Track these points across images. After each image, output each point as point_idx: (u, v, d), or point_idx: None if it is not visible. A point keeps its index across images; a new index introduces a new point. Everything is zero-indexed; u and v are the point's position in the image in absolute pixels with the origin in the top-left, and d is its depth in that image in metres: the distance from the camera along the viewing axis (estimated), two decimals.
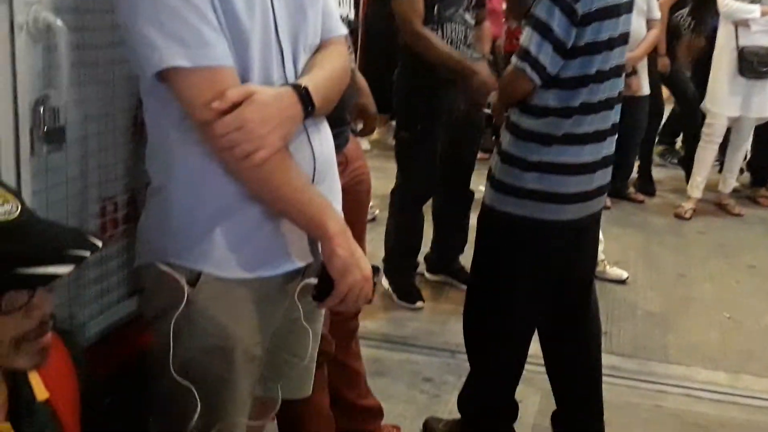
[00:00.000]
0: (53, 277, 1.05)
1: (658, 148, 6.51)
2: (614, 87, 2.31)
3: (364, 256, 1.46)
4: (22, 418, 1.15)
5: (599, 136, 2.31)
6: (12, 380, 1.15)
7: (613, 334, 3.46)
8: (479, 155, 4.02)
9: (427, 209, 3.90)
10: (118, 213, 1.62)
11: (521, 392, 2.64)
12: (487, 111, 2.60)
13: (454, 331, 3.12)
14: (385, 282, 3.85)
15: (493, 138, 2.57)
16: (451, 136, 3.61)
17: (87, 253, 1.08)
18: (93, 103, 1.51)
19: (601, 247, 3.69)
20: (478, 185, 3.48)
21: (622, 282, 4.19)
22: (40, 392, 1.18)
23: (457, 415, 2.67)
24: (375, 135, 6.20)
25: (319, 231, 1.41)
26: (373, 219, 4.47)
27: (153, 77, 1.34)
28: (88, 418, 1.29)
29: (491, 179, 2.42)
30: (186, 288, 1.39)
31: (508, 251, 2.41)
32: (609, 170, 2.41)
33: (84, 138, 1.50)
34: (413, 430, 2.72)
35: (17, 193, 1.12)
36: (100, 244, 1.11)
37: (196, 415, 1.41)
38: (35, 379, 1.18)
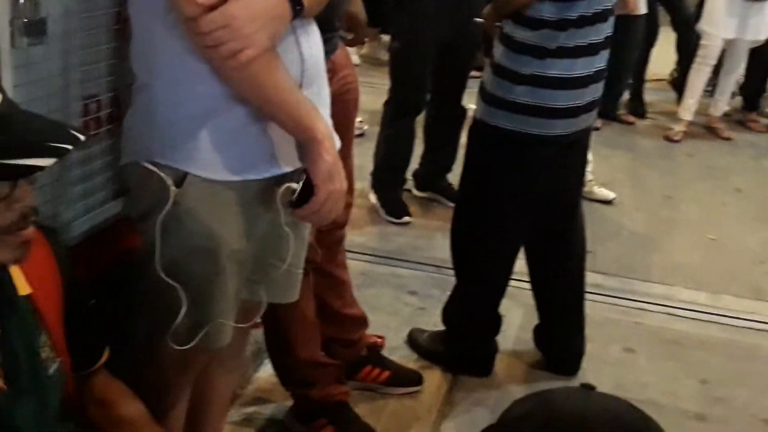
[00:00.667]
0: (35, 169, 1.03)
1: None
2: None
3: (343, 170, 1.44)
4: (3, 312, 1.14)
5: (592, 49, 2.28)
6: None
7: (597, 253, 3.48)
8: (471, 72, 3.96)
9: (419, 127, 3.86)
10: (101, 112, 1.59)
11: (504, 306, 2.66)
12: (479, 20, 2.54)
13: (440, 247, 3.14)
14: (372, 197, 3.85)
15: (484, 55, 2.52)
16: (445, 49, 3.55)
17: (69, 147, 1.06)
18: None
19: (589, 168, 3.68)
20: (470, 104, 3.45)
21: (609, 202, 4.20)
22: (22, 287, 1.18)
23: (441, 327, 2.70)
24: (365, 49, 6.11)
25: (307, 133, 1.38)
26: (362, 134, 4.43)
27: None
28: (72, 317, 1.29)
29: (482, 92, 2.39)
30: (172, 188, 1.38)
31: (498, 164, 2.40)
32: (601, 85, 2.38)
33: (66, 33, 1.46)
34: (397, 340, 2.75)
35: None
36: (83, 137, 1.09)
37: (182, 315, 1.42)
38: (17, 274, 1.17)
